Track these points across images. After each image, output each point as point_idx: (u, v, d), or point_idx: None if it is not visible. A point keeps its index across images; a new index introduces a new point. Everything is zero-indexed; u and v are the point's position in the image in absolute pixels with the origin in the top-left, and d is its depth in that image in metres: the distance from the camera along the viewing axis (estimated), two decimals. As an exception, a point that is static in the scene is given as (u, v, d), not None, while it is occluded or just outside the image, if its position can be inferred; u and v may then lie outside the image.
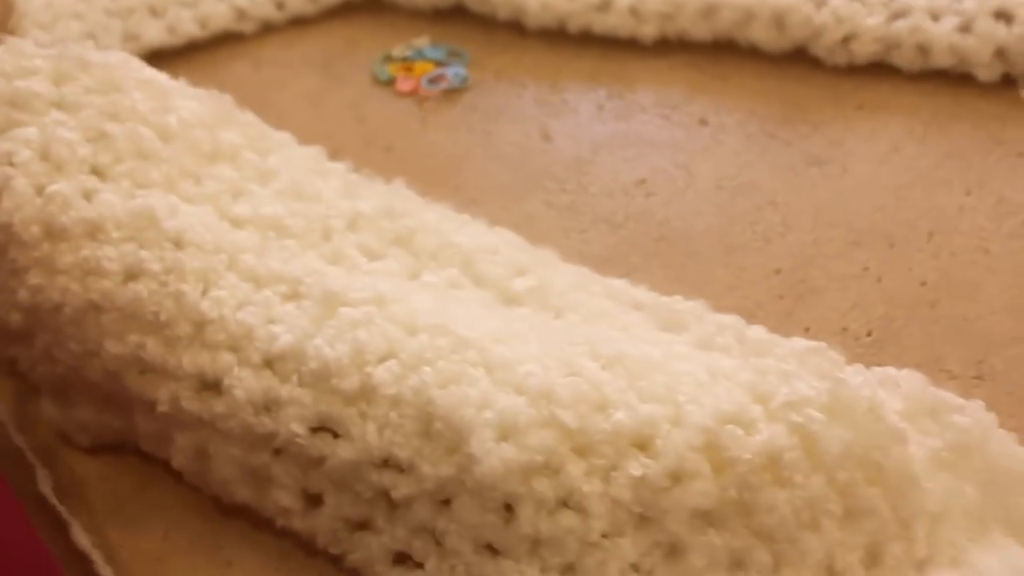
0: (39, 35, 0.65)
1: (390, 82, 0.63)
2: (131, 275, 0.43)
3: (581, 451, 0.37)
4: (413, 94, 0.63)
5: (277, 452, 0.41)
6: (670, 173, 0.57)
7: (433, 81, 0.63)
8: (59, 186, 0.44)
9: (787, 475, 0.37)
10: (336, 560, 0.42)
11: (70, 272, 0.43)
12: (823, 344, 0.41)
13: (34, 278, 0.43)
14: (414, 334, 0.41)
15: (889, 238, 0.53)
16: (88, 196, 0.44)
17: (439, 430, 0.38)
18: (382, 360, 0.40)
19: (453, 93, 0.63)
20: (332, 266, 0.46)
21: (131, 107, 0.47)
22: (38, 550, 0.41)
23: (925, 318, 0.50)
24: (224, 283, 0.43)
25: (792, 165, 0.57)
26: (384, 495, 0.40)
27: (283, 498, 0.42)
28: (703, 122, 0.60)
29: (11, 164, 0.44)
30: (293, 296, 0.43)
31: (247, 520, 0.44)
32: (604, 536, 0.37)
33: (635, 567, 0.37)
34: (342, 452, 0.40)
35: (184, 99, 0.49)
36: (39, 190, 0.44)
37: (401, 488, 0.39)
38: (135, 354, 0.42)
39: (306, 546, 0.43)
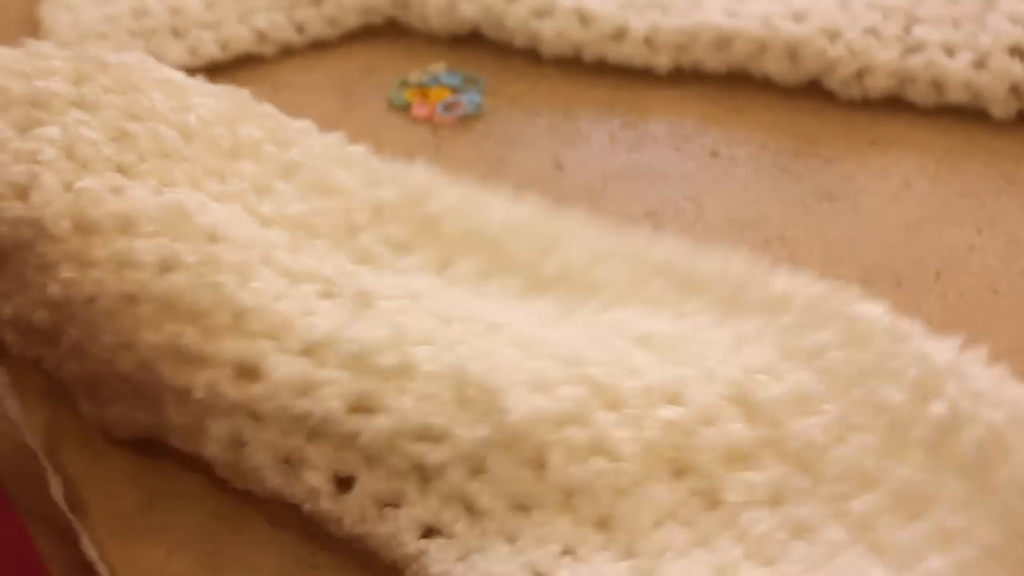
0: (63, 54, 0.66)
1: (406, 107, 0.64)
2: (167, 267, 0.43)
3: (612, 405, 0.39)
4: (428, 120, 0.63)
5: (312, 435, 0.42)
6: (680, 205, 0.57)
7: (448, 108, 0.63)
8: (88, 182, 0.44)
9: (814, 407, 0.39)
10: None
11: (104, 265, 0.43)
12: (832, 287, 0.42)
13: (65, 272, 0.43)
14: (449, 324, 0.42)
15: (897, 276, 0.53)
16: (117, 192, 0.45)
17: (473, 396, 0.40)
18: (420, 344, 0.41)
19: (468, 120, 0.63)
20: (361, 266, 0.46)
21: (150, 107, 0.47)
22: (31, 560, 0.41)
23: (930, 358, 0.50)
24: (260, 276, 0.43)
25: (803, 200, 0.57)
26: (417, 468, 0.41)
27: (313, 479, 0.42)
28: (715, 154, 0.60)
29: (37, 162, 0.45)
30: (327, 295, 0.44)
31: (250, 544, 0.44)
32: (637, 483, 0.38)
33: (673, 515, 0.38)
34: (379, 423, 0.41)
35: (201, 96, 0.49)
36: (67, 186, 0.44)
37: (436, 455, 0.40)
38: (172, 343, 0.43)
39: (308, 569, 0.43)
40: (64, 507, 0.44)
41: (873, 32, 0.61)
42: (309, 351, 0.42)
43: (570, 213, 0.49)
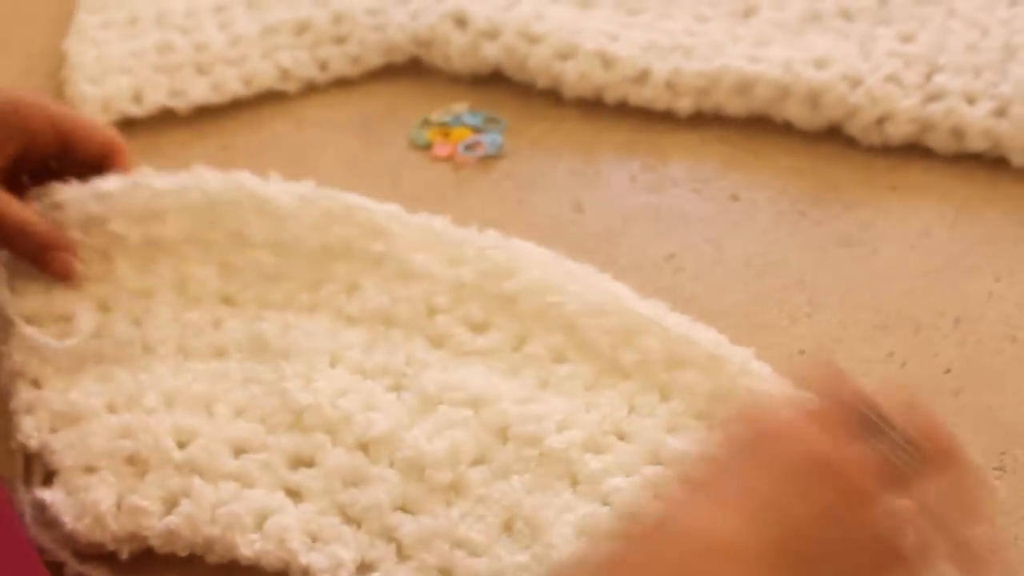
0: (89, 89, 0.67)
1: (427, 147, 0.64)
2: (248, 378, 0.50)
3: None
4: (449, 160, 0.63)
5: (348, 519, 0.46)
6: (699, 248, 0.57)
7: (469, 148, 0.64)
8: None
9: None
10: None
11: None
12: None
13: None
14: (505, 442, 0.46)
15: (915, 323, 0.53)
16: (217, 325, 0.52)
17: (520, 528, 0.44)
18: (475, 464, 0.46)
19: (488, 160, 0.63)
20: (437, 350, 0.50)
21: (250, 236, 0.53)
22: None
23: (948, 406, 0.50)
24: (323, 376, 0.49)
25: (822, 245, 0.57)
26: (446, 571, 0.44)
27: (342, 553, 0.44)
28: (734, 198, 0.60)
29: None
30: (396, 388, 0.49)
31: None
32: None
33: None
34: (419, 524, 0.44)
35: (296, 209, 0.53)
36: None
37: (473, 564, 0.43)
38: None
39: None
40: None
41: (894, 79, 0.61)
42: (365, 446, 0.46)
43: (652, 303, 0.50)
